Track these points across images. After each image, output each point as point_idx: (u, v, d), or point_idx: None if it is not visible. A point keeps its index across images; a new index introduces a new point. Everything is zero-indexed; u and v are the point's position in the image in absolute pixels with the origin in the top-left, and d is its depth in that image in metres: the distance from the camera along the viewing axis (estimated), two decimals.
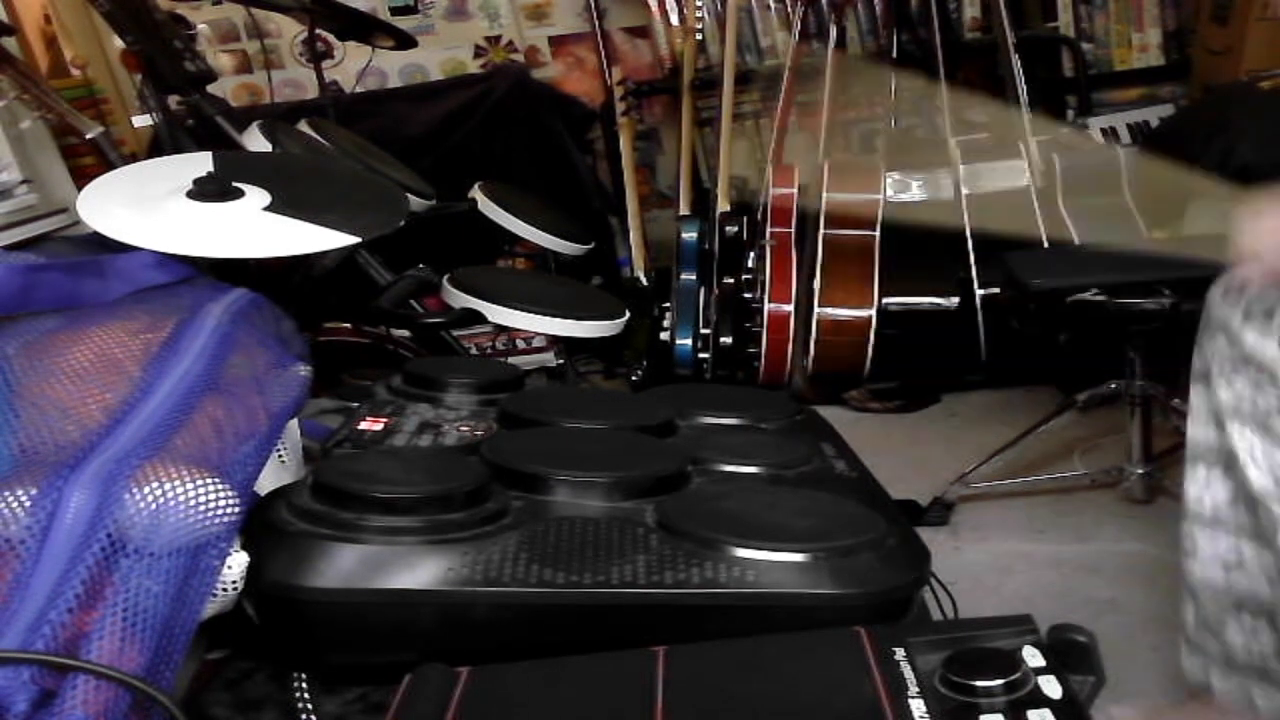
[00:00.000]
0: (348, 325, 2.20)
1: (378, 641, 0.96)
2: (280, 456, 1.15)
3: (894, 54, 2.87)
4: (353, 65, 3.04)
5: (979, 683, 0.74)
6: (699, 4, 2.94)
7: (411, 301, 2.03)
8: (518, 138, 2.96)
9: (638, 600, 0.93)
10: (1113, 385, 1.84)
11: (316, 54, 2.64)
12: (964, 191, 2.43)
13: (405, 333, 2.20)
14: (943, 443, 2.25)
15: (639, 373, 2.66)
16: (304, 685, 0.99)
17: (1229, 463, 1.05)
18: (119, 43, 2.85)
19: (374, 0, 3.12)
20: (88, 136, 1.86)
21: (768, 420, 1.41)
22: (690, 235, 2.64)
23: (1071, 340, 2.05)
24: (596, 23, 3.12)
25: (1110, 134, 2.65)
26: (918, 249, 2.41)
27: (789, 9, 2.98)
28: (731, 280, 2.54)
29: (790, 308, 2.41)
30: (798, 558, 0.96)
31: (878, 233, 2.40)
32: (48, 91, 1.88)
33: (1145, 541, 1.73)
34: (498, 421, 1.30)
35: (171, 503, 0.87)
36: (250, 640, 1.01)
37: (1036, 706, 0.72)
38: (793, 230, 2.49)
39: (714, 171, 2.71)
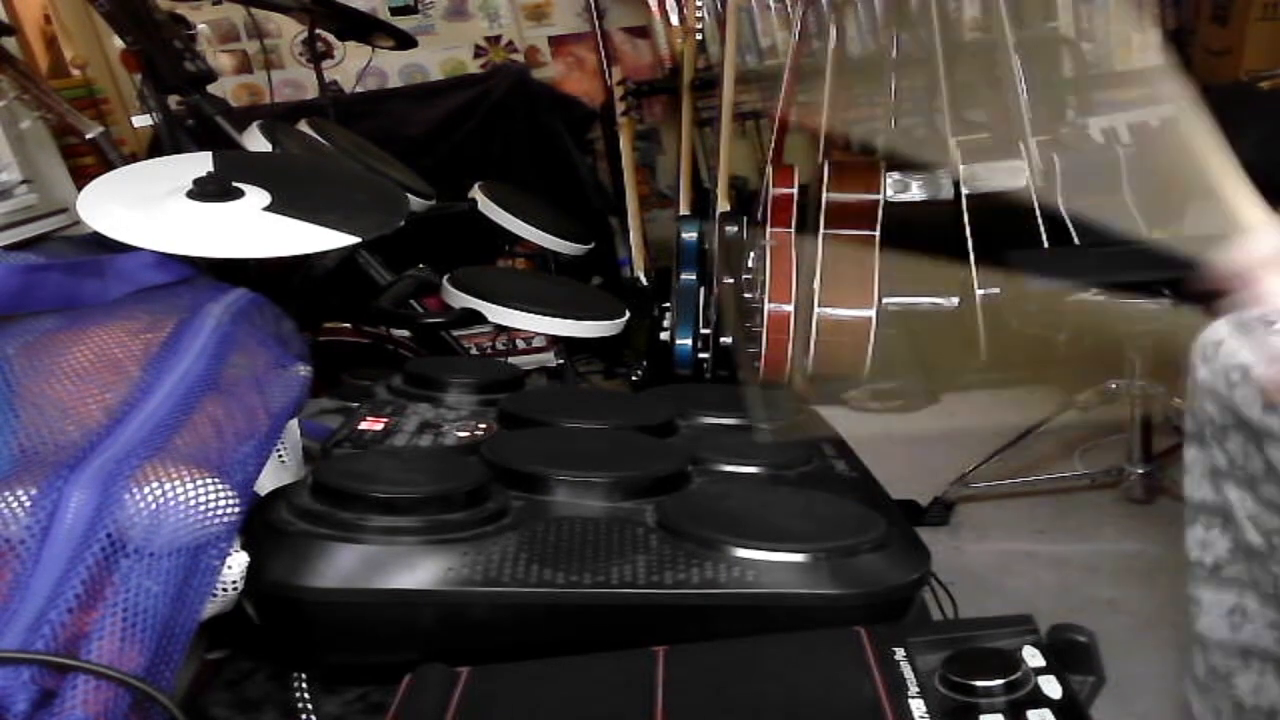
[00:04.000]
0: (348, 325, 2.19)
1: (378, 641, 0.96)
2: (280, 456, 1.15)
3: (894, 54, 2.87)
4: (353, 65, 3.04)
5: (979, 683, 0.74)
6: (699, 4, 2.94)
7: (411, 301, 2.03)
8: (518, 138, 2.96)
9: (638, 600, 0.93)
10: (1113, 385, 1.84)
11: (316, 54, 2.64)
12: (964, 191, 2.43)
13: (405, 333, 2.20)
14: (943, 443, 2.25)
15: (639, 373, 2.66)
16: (304, 685, 0.99)
17: (1227, 517, 1.06)
18: (119, 43, 2.85)
19: (374, 0, 3.12)
20: (88, 136, 1.86)
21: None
22: (690, 235, 2.65)
23: (1071, 340, 2.05)
24: (596, 23, 3.11)
25: (1110, 134, 2.65)
26: (918, 249, 2.41)
27: (789, 9, 2.99)
28: (731, 280, 2.54)
29: (790, 308, 2.41)
30: (798, 558, 0.96)
31: (878, 233, 2.40)
32: (48, 91, 1.88)
33: (1145, 541, 1.74)
34: (498, 421, 1.30)
35: (171, 503, 0.87)
36: (250, 640, 1.01)
37: (1036, 706, 0.72)
38: (793, 230, 2.49)
39: (714, 171, 2.71)
